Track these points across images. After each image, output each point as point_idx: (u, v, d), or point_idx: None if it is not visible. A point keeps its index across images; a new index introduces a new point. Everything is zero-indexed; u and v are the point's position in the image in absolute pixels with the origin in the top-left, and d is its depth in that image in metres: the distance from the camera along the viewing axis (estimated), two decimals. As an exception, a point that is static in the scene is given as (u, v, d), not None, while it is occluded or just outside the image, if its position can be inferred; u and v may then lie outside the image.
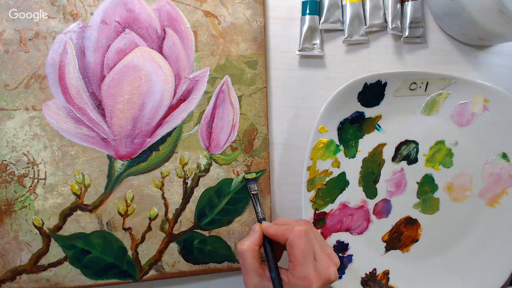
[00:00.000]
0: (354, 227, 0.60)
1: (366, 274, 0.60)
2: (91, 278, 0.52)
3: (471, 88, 0.59)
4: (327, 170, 0.57)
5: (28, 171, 0.50)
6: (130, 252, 0.53)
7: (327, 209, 0.58)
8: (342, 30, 0.58)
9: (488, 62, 0.63)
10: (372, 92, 0.56)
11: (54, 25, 0.49)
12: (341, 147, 0.57)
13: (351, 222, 0.59)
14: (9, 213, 0.50)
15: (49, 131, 0.50)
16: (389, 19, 0.58)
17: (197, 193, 0.54)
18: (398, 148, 0.60)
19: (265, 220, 0.51)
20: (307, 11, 0.55)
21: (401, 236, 0.62)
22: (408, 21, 0.58)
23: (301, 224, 0.46)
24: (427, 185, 0.62)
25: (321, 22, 0.56)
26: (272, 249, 0.48)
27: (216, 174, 0.54)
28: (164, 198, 0.53)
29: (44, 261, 0.51)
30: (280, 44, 0.57)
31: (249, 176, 0.55)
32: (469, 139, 0.61)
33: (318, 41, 0.57)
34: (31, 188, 0.50)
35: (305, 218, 0.55)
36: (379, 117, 0.58)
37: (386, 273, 0.62)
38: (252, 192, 0.53)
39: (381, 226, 0.61)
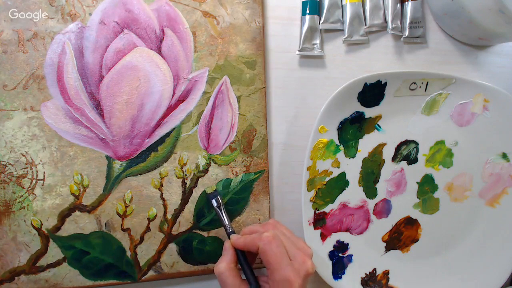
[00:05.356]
0: (354, 227, 0.60)
1: (366, 274, 0.60)
2: (90, 279, 0.52)
3: (471, 88, 0.59)
4: (327, 170, 0.56)
5: (27, 171, 0.49)
6: (129, 253, 0.53)
7: (327, 209, 0.57)
8: (342, 30, 0.58)
9: (488, 62, 0.63)
10: (372, 92, 0.56)
11: (53, 26, 0.49)
12: (341, 147, 0.57)
13: (351, 222, 0.59)
14: (7, 214, 0.49)
15: (47, 131, 0.50)
16: (389, 19, 0.57)
17: (196, 193, 0.54)
18: (398, 148, 0.59)
19: (234, 233, 0.50)
20: (307, 11, 0.55)
21: (401, 236, 0.62)
22: (408, 21, 0.58)
23: (267, 229, 0.47)
24: (427, 185, 0.62)
25: (321, 22, 0.56)
26: (247, 261, 0.48)
27: (215, 175, 0.54)
28: (163, 198, 0.53)
29: (42, 261, 0.51)
30: (280, 44, 0.57)
31: (209, 190, 0.54)
32: (469, 139, 0.61)
33: (318, 41, 0.56)
34: (29, 188, 0.50)
35: (305, 218, 0.55)
36: (379, 117, 0.58)
37: (386, 273, 0.61)
38: (215, 206, 0.52)
39: (381, 226, 0.61)
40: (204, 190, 0.54)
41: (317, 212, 0.57)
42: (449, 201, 0.63)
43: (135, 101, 0.50)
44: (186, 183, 0.54)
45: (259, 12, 0.54)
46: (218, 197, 0.53)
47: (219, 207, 0.52)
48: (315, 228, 0.57)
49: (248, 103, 0.54)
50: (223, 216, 0.52)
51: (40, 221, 0.50)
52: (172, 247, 0.54)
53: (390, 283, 0.62)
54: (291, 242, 0.47)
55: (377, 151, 0.59)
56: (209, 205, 0.54)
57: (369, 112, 0.57)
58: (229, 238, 0.50)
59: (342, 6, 0.57)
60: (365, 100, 0.56)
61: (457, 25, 0.57)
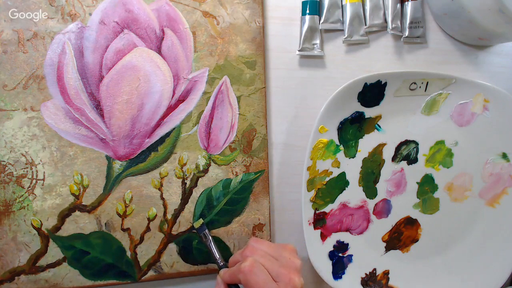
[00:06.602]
0: (354, 227, 0.60)
1: (366, 274, 0.60)
2: (90, 279, 0.52)
3: (471, 88, 0.59)
4: (327, 170, 0.56)
5: (27, 171, 0.49)
6: (129, 253, 0.53)
7: (327, 209, 0.57)
8: (342, 30, 0.58)
9: (488, 62, 0.63)
10: (372, 92, 0.56)
11: (53, 26, 0.49)
12: (341, 147, 0.57)
13: (351, 222, 0.59)
14: (7, 214, 0.49)
15: (47, 131, 0.49)
16: (389, 19, 0.57)
17: (196, 193, 0.54)
18: (398, 148, 0.59)
19: (224, 266, 0.51)
20: (307, 11, 0.55)
21: (401, 236, 0.62)
22: (408, 21, 0.58)
23: (246, 255, 0.47)
24: (427, 185, 0.62)
25: (321, 22, 0.56)
26: None
27: (215, 175, 0.54)
28: (163, 198, 0.53)
29: (42, 261, 0.51)
30: (280, 44, 0.56)
31: (196, 225, 0.54)
32: (469, 139, 0.61)
33: (318, 41, 0.56)
34: (29, 188, 0.50)
35: (305, 218, 0.55)
36: (379, 117, 0.58)
37: (386, 273, 0.61)
38: (204, 240, 0.53)
39: (381, 226, 0.61)
40: (192, 225, 0.54)
41: (317, 212, 0.57)
42: (449, 201, 0.63)
43: (135, 101, 0.50)
44: (186, 183, 0.54)
45: (259, 12, 0.54)
46: (206, 230, 0.53)
47: (208, 239, 0.52)
48: (315, 228, 0.57)
49: (248, 103, 0.54)
50: (213, 250, 0.52)
51: (40, 221, 0.50)
52: (172, 247, 0.54)
53: (390, 283, 0.62)
54: (273, 261, 0.46)
55: (377, 151, 0.59)
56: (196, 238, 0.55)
57: (369, 112, 0.57)
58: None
59: (342, 6, 0.57)
60: (365, 100, 0.56)
61: (457, 25, 0.57)
